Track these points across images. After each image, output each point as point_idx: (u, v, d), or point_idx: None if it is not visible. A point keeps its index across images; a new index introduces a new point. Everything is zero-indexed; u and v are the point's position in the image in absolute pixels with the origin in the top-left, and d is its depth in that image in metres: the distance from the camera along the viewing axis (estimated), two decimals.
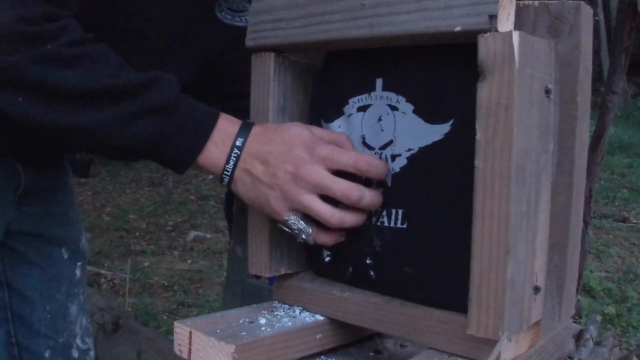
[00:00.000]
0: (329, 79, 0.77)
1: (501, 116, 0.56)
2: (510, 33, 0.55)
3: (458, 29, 0.59)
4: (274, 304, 0.81)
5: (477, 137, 0.57)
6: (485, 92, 0.57)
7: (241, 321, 0.72)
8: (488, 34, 0.56)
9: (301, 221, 0.70)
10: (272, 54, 0.76)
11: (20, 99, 0.71)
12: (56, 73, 0.70)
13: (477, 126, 0.58)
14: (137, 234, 5.02)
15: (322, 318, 0.76)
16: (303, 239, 0.71)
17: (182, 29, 0.89)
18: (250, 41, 0.78)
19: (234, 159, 0.72)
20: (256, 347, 0.67)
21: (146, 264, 4.24)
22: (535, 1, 0.63)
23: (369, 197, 0.68)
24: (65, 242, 1.07)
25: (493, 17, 0.56)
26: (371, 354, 0.78)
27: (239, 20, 0.94)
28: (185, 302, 3.60)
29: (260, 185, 0.70)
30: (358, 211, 0.69)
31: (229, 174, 0.73)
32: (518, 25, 0.61)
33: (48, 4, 0.71)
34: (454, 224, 0.64)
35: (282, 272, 0.80)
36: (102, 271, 3.94)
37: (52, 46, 0.70)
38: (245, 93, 1.09)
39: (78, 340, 1.08)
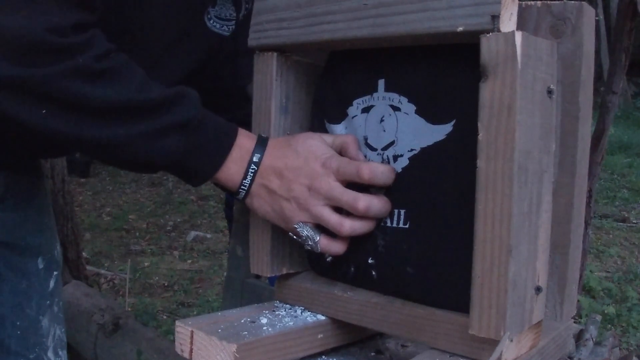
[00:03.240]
0: (332, 80, 0.77)
1: (503, 116, 0.56)
2: (512, 33, 0.55)
3: (460, 29, 0.59)
4: (276, 304, 0.81)
5: (480, 137, 0.57)
6: (487, 92, 0.57)
7: (242, 321, 0.72)
8: (490, 34, 0.56)
9: (310, 229, 0.71)
10: (275, 54, 0.76)
11: (43, 111, 0.69)
12: (85, 88, 0.68)
13: (479, 126, 0.57)
14: (137, 234, 5.02)
15: (323, 318, 0.76)
16: (310, 245, 0.72)
17: (175, 34, 0.88)
18: (252, 41, 0.77)
19: (252, 174, 0.73)
20: (258, 347, 0.67)
21: (146, 264, 4.24)
22: (538, 2, 0.63)
23: (376, 206, 0.69)
24: (41, 251, 1.04)
25: (495, 18, 0.56)
26: (372, 353, 0.78)
27: (226, 29, 0.93)
28: (185, 302, 3.60)
29: (276, 197, 0.72)
30: (368, 219, 0.70)
31: (245, 188, 0.74)
32: (520, 26, 0.61)
33: (79, 11, 0.69)
34: (456, 224, 0.64)
35: (284, 272, 0.80)
36: (102, 271, 3.94)
37: (82, 60, 0.68)
38: (234, 106, 1.09)
39: (50, 354, 1.05)
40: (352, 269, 0.74)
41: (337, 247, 0.72)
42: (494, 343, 0.59)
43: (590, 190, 1.95)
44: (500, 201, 0.56)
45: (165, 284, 3.89)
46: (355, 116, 0.74)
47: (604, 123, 1.96)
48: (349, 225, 0.69)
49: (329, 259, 0.76)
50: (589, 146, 0.68)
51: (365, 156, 0.73)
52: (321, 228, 0.72)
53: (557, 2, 0.61)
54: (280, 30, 0.74)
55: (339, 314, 0.74)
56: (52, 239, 1.07)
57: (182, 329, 0.70)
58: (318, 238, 0.72)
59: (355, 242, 0.73)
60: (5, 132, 0.86)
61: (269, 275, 0.79)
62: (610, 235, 4.74)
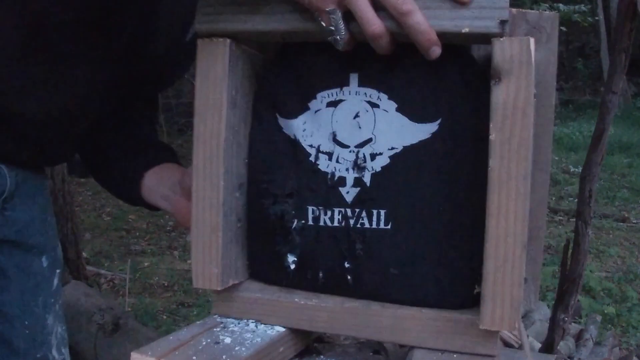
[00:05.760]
0: (289, 71, 0.71)
1: (518, 118, 0.58)
2: (527, 39, 0.58)
3: (465, 30, 0.59)
4: (218, 320, 0.72)
5: (492, 137, 0.59)
6: (501, 95, 0.58)
7: (205, 343, 0.65)
8: (504, 38, 0.58)
9: (341, 20, 0.63)
10: (228, 41, 0.67)
11: None
12: None
13: (491, 127, 0.59)
14: (137, 234, 5.02)
15: (283, 329, 0.70)
16: (335, 39, 0.64)
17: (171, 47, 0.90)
18: (202, 24, 0.68)
19: None
20: None
21: (146, 264, 4.24)
22: (513, 9, 0.64)
23: (420, 15, 0.59)
24: (46, 249, 1.04)
25: (504, 22, 0.58)
26: (370, 353, 0.78)
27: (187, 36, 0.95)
28: (185, 302, 3.60)
29: None
30: (384, 33, 0.62)
31: None
32: None
33: None
34: (442, 221, 0.65)
35: (230, 283, 0.72)
36: (102, 271, 3.94)
37: None
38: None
39: (54, 352, 1.05)
40: (321, 274, 0.70)
41: (352, 44, 0.64)
42: (488, 336, 0.61)
43: (590, 190, 1.94)
44: (514, 199, 0.58)
45: (165, 284, 3.90)
46: (318, 110, 0.70)
47: (604, 123, 1.95)
48: (379, 25, 0.61)
49: (292, 266, 0.72)
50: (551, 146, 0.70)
51: (333, 152, 0.69)
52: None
53: (533, 11, 0.63)
54: (239, 14, 0.66)
55: (304, 324, 0.70)
56: (55, 238, 1.08)
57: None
58: (344, 33, 0.63)
59: (324, 247, 0.70)
60: (17, 130, 0.87)
61: (219, 289, 0.70)
62: (610, 235, 4.74)
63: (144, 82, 0.96)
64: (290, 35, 0.67)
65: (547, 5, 8.14)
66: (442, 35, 0.61)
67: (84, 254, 3.80)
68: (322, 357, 0.75)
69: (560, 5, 8.34)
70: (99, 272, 3.88)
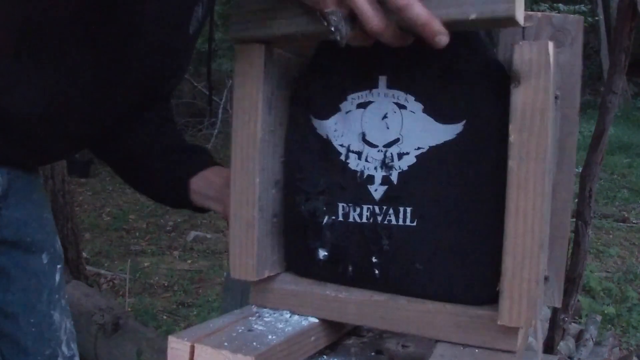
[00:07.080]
0: (321, 74, 0.75)
1: (536, 120, 0.59)
2: (546, 43, 0.59)
3: (473, 16, 0.58)
4: (254, 310, 0.77)
5: (511, 139, 0.60)
6: (520, 97, 0.60)
7: (240, 330, 0.69)
8: (522, 42, 0.60)
9: (342, 19, 0.63)
10: (262, 46, 0.72)
11: None
12: None
13: (510, 129, 0.60)
14: (137, 234, 5.03)
15: (315, 320, 0.74)
16: (337, 39, 0.64)
17: (165, 41, 0.90)
18: (235, 33, 0.72)
19: None
20: (271, 356, 0.65)
21: (146, 264, 4.25)
22: (538, 12, 0.65)
23: (418, 7, 0.58)
24: (45, 246, 1.05)
25: (511, 2, 0.56)
26: (372, 353, 0.78)
27: (192, 28, 0.95)
28: (185, 302, 3.61)
29: None
30: (390, 27, 0.62)
31: None
32: (522, 34, 0.64)
33: None
34: (466, 220, 0.67)
35: (266, 275, 0.76)
36: (102, 271, 3.95)
37: None
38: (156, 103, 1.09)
39: (64, 348, 1.07)
40: (350, 268, 0.74)
41: (362, 40, 0.65)
42: (508, 332, 0.63)
43: (590, 190, 1.95)
44: (532, 199, 0.60)
45: (165, 284, 3.90)
46: (349, 111, 0.73)
47: (604, 123, 1.96)
48: (379, 20, 0.61)
49: (322, 258, 0.75)
50: (576, 147, 0.72)
51: (362, 152, 0.72)
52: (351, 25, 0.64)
53: (558, 14, 0.64)
54: (264, 21, 0.70)
55: (334, 315, 0.73)
56: (53, 234, 1.08)
57: (179, 344, 0.65)
58: (345, 33, 0.63)
59: (354, 241, 0.73)
60: (4, 128, 0.87)
61: (254, 280, 0.75)
62: (610, 235, 4.75)
63: (146, 80, 0.96)
64: (305, 37, 0.69)
65: (547, 5, 8.13)
66: (451, 24, 0.60)
67: (84, 254, 3.80)
68: (324, 357, 0.75)
69: (561, 5, 8.34)
70: (99, 272, 3.89)
